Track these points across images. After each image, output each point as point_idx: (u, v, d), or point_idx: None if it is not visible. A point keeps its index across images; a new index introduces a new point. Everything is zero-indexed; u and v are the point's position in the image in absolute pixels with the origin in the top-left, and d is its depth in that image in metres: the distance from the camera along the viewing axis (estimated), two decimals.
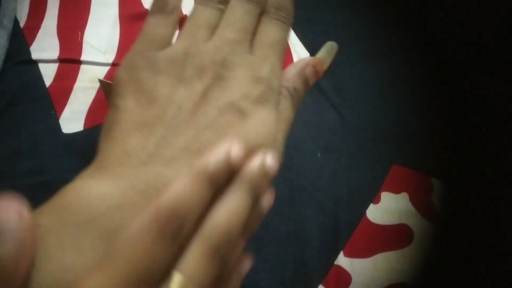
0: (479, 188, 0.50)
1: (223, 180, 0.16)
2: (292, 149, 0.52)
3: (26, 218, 0.15)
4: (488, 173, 0.50)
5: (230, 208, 0.16)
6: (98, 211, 0.16)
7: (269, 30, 0.21)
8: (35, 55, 0.58)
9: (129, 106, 0.19)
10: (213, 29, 0.21)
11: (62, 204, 0.17)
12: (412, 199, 0.49)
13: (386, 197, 0.50)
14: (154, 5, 0.22)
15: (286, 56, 0.63)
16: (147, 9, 0.65)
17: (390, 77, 0.61)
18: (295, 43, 0.64)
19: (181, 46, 0.21)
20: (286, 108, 0.21)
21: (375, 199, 0.49)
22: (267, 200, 0.19)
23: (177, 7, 0.23)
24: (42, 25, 0.62)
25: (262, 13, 0.22)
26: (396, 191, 0.50)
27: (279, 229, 0.46)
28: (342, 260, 0.45)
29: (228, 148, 0.16)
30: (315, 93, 0.59)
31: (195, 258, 0.15)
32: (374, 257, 0.45)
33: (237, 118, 0.18)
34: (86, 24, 0.63)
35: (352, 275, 0.44)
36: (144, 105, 0.18)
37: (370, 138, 0.54)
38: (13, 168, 0.48)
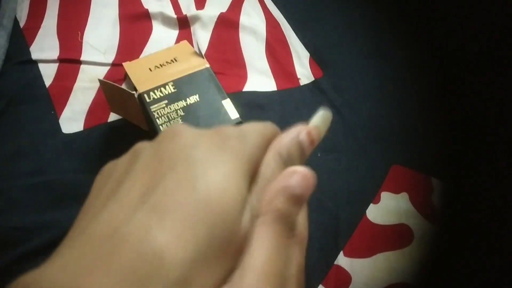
0: (479, 188, 0.50)
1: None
2: None
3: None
4: (488, 173, 0.51)
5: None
6: None
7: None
8: (35, 55, 0.58)
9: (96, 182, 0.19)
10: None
11: None
12: (412, 199, 0.49)
13: (386, 197, 0.50)
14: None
15: (285, 56, 0.63)
16: (147, 9, 0.65)
17: (390, 77, 0.61)
18: (295, 43, 0.64)
19: None
20: (275, 172, 0.19)
21: (375, 199, 0.49)
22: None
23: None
24: (42, 25, 0.62)
25: None
26: (396, 191, 0.50)
27: None
28: (342, 260, 0.45)
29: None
30: (315, 93, 0.59)
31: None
32: (374, 257, 0.45)
33: (198, 173, 0.17)
34: (86, 24, 0.63)
35: (352, 275, 0.44)
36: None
37: (370, 138, 0.55)
38: (13, 168, 0.48)
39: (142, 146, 0.19)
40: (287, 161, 0.20)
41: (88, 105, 0.54)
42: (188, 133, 0.18)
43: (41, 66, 0.58)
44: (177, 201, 0.15)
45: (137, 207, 0.15)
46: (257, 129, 0.20)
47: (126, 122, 0.52)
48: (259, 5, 0.69)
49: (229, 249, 0.16)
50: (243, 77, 0.59)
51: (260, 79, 0.60)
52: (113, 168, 0.19)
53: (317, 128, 0.22)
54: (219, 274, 0.15)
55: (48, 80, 0.56)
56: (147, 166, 0.17)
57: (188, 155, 0.17)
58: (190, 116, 0.43)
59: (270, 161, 0.19)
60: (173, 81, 0.46)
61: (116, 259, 0.14)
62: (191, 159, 0.17)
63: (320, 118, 0.23)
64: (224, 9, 0.67)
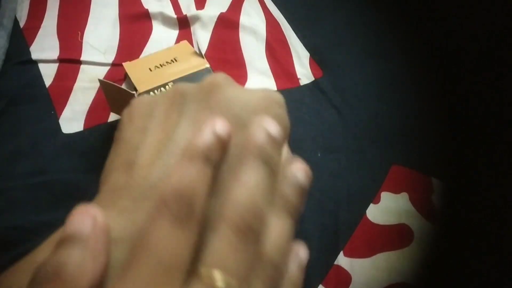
0: (479, 188, 0.50)
1: (217, 155, 0.16)
2: (292, 149, 0.52)
3: (100, 224, 0.14)
4: (488, 173, 0.50)
5: (245, 181, 0.16)
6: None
7: None
8: (35, 55, 0.58)
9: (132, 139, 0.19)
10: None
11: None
12: (412, 199, 0.49)
13: (386, 197, 0.50)
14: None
15: (285, 56, 0.63)
16: (147, 9, 0.65)
17: (390, 77, 0.61)
18: (295, 43, 0.64)
19: None
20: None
21: (375, 199, 0.49)
22: (299, 169, 0.19)
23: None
24: (42, 25, 0.62)
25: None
26: (396, 191, 0.50)
27: None
28: (342, 260, 0.45)
29: (212, 125, 0.16)
30: (315, 93, 0.59)
31: (223, 244, 0.14)
32: (374, 257, 0.45)
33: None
34: (86, 24, 0.63)
35: (352, 275, 0.44)
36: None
37: (370, 138, 0.54)
38: (13, 168, 0.48)
39: (187, 90, 0.20)
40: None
41: (88, 105, 0.54)
42: (233, 89, 0.19)
43: (41, 66, 0.58)
44: None
45: None
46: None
47: None
48: (259, 5, 0.69)
49: None
50: (243, 77, 0.59)
51: (260, 79, 0.60)
52: (151, 111, 0.19)
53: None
54: None
55: (48, 80, 0.56)
56: (196, 113, 0.18)
57: (239, 107, 0.19)
58: None
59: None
60: (173, 81, 0.46)
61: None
62: (240, 111, 0.18)
63: None
64: (224, 9, 0.67)
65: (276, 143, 0.17)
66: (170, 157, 0.17)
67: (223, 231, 0.15)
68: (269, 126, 0.17)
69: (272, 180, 0.17)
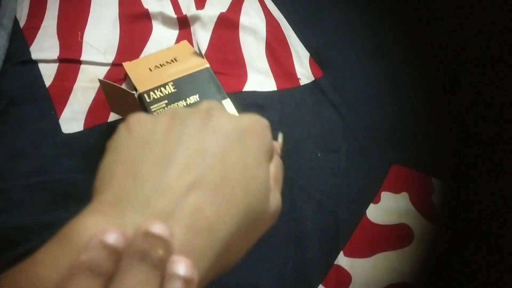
0: (479, 188, 0.50)
1: (105, 264, 0.15)
2: (292, 149, 0.52)
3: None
4: (488, 173, 0.51)
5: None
6: None
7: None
8: (35, 55, 0.58)
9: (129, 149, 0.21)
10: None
11: (62, 243, 0.16)
12: (412, 199, 0.49)
13: (386, 197, 0.50)
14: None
15: (285, 56, 0.63)
16: (147, 9, 0.65)
17: (390, 77, 0.61)
18: (295, 43, 0.64)
19: None
20: (281, 172, 0.25)
21: (375, 199, 0.49)
22: (181, 266, 0.16)
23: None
24: (42, 25, 0.62)
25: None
26: (396, 191, 0.50)
27: (279, 229, 0.46)
28: (342, 260, 0.45)
29: (99, 236, 0.15)
30: (315, 93, 0.59)
31: None
32: (374, 257, 0.45)
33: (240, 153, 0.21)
34: (86, 24, 0.63)
35: (352, 275, 0.44)
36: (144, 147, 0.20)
37: (370, 138, 0.54)
38: (13, 168, 0.48)
39: (186, 112, 0.22)
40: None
41: (88, 105, 0.54)
42: (228, 113, 0.22)
43: (41, 66, 0.58)
44: (227, 180, 0.18)
45: (189, 182, 0.18)
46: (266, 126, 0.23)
47: None
48: (259, 5, 0.69)
49: (260, 221, 0.20)
50: (243, 77, 0.59)
51: (260, 79, 0.60)
52: (152, 127, 0.21)
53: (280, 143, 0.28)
54: (251, 241, 0.20)
55: (48, 80, 0.56)
56: (196, 132, 0.20)
57: (237, 138, 0.20)
58: None
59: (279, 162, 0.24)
60: (173, 81, 0.46)
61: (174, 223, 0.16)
62: (239, 143, 0.20)
63: (280, 138, 0.29)
64: (224, 9, 0.67)
65: (158, 241, 0.16)
66: (169, 171, 0.18)
67: None
68: (153, 228, 0.16)
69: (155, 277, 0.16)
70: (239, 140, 0.20)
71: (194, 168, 0.18)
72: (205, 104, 0.22)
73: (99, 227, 0.16)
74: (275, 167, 0.23)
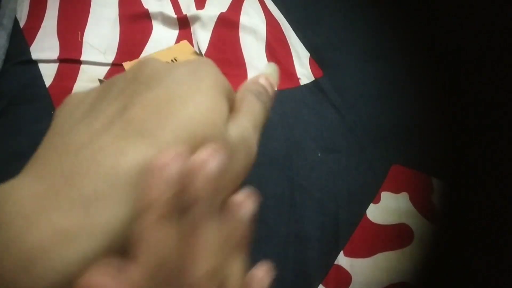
0: (479, 188, 0.50)
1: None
2: (292, 149, 0.52)
3: None
4: (488, 173, 0.51)
5: (202, 244, 0.15)
6: (6, 218, 0.14)
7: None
8: (35, 55, 0.58)
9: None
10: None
11: None
12: (412, 199, 0.49)
13: (386, 196, 0.50)
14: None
15: (285, 56, 0.63)
16: (147, 9, 0.65)
17: (390, 77, 0.61)
18: (295, 43, 0.64)
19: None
20: (254, 101, 0.20)
21: (375, 198, 0.49)
22: (242, 201, 0.16)
23: None
24: (42, 25, 0.62)
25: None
26: (396, 190, 0.50)
27: (279, 229, 0.46)
28: (342, 260, 0.45)
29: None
30: (315, 93, 0.59)
31: None
32: (374, 256, 0.45)
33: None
34: (86, 24, 0.63)
35: (352, 275, 0.44)
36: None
37: (370, 138, 0.54)
38: (13, 168, 0.48)
39: (116, 76, 0.19)
40: (258, 96, 0.21)
41: None
42: (161, 62, 0.18)
43: (41, 66, 0.58)
44: (157, 123, 0.15)
45: (112, 124, 0.15)
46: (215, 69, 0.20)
47: None
48: (259, 5, 0.69)
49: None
50: (243, 77, 0.59)
51: None
52: (84, 96, 0.18)
53: (271, 75, 0.25)
54: None
55: (48, 80, 0.56)
56: (122, 90, 0.17)
57: (169, 76, 0.17)
58: None
59: (245, 95, 0.21)
60: None
61: (86, 181, 0.14)
62: (172, 80, 0.17)
63: (269, 68, 0.26)
64: (224, 9, 0.67)
65: (216, 187, 0.15)
66: (91, 125, 0.16)
67: None
68: (210, 163, 0.14)
69: (219, 226, 0.16)
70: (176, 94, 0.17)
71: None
72: (137, 61, 0.18)
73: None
74: (239, 95, 0.20)
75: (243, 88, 0.22)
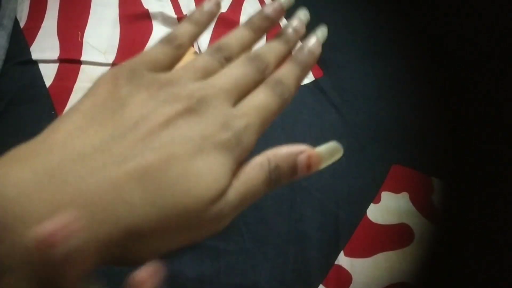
0: (479, 188, 0.50)
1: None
2: None
3: None
4: (488, 173, 0.51)
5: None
6: (7, 199, 0.15)
7: (260, 96, 0.21)
8: (35, 55, 0.58)
9: (94, 101, 0.19)
10: (208, 76, 0.21)
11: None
12: (412, 199, 0.49)
13: (386, 196, 0.50)
14: (165, 36, 0.23)
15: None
16: (147, 9, 0.65)
17: (390, 77, 0.61)
18: None
19: (170, 75, 0.21)
20: (258, 178, 0.19)
21: (376, 198, 0.49)
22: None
23: (184, 45, 0.24)
24: (42, 25, 0.62)
25: (262, 81, 0.22)
26: (396, 190, 0.50)
27: (279, 229, 0.46)
28: (342, 260, 0.45)
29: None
30: (315, 93, 0.59)
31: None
32: (374, 256, 0.45)
33: (187, 154, 0.18)
34: (86, 24, 0.63)
35: (352, 275, 0.44)
36: (107, 105, 0.19)
37: (370, 138, 0.55)
38: None
39: (129, 93, 0.19)
40: (273, 172, 0.20)
41: None
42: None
43: (41, 66, 0.58)
44: (160, 170, 0.17)
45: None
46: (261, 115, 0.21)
47: None
48: (259, 5, 0.69)
49: (187, 225, 0.18)
50: None
51: None
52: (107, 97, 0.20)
53: (320, 157, 0.21)
54: (164, 241, 0.18)
55: (48, 80, 0.56)
56: (152, 120, 0.18)
57: (192, 138, 0.18)
58: None
59: (256, 165, 0.20)
60: None
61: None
62: (193, 142, 0.18)
63: (328, 149, 0.22)
64: (224, 9, 0.67)
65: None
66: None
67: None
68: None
69: None
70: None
71: (135, 149, 0.18)
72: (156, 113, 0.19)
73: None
74: (249, 165, 0.20)
75: (265, 153, 0.20)
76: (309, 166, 0.21)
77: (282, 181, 0.20)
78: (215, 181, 0.18)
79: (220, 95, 0.20)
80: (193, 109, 0.19)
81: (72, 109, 0.19)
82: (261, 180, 0.19)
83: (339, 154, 0.22)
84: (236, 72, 0.21)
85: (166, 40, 0.23)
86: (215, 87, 0.20)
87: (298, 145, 0.21)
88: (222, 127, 0.19)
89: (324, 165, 0.22)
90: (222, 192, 0.18)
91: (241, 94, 0.21)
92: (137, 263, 0.17)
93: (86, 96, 0.20)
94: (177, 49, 0.23)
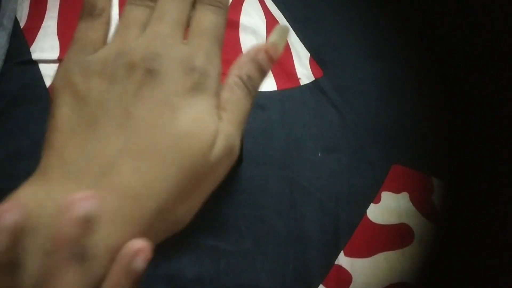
0: (479, 188, 0.50)
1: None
2: (292, 149, 0.52)
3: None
4: (488, 173, 0.50)
5: None
6: (31, 223, 0.16)
7: (202, 17, 0.21)
8: (35, 55, 0.58)
9: (63, 114, 0.19)
10: (144, 26, 0.21)
11: None
12: (412, 199, 0.49)
13: (386, 196, 0.50)
14: (82, 9, 0.22)
15: (286, 56, 0.63)
16: None
17: (390, 77, 0.61)
18: (295, 43, 0.64)
19: (112, 47, 0.21)
20: (240, 97, 0.21)
21: (376, 198, 0.49)
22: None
23: (105, 8, 0.23)
24: (42, 25, 0.62)
25: (196, 1, 0.21)
26: (396, 190, 0.50)
27: (279, 229, 0.46)
28: (342, 260, 0.45)
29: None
30: (315, 93, 0.59)
31: None
32: (374, 256, 0.45)
33: (168, 118, 0.18)
34: None
35: (352, 275, 0.44)
36: (77, 112, 0.19)
37: (370, 138, 0.54)
38: (14, 168, 0.48)
39: (118, 75, 0.19)
40: (248, 83, 0.21)
41: None
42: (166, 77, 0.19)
43: (42, 66, 0.58)
44: (151, 145, 0.18)
45: (115, 149, 0.18)
46: (216, 63, 0.21)
47: None
48: (259, 5, 0.69)
49: (200, 177, 0.18)
50: None
51: None
52: (84, 91, 0.19)
53: (275, 45, 0.23)
54: (195, 198, 0.19)
55: (48, 80, 0.56)
56: (121, 102, 0.19)
57: (165, 99, 0.18)
58: None
59: (233, 86, 0.21)
60: None
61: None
62: (167, 102, 0.18)
63: (277, 34, 0.23)
64: None
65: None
66: (96, 140, 0.19)
67: None
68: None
69: None
70: (167, 105, 0.19)
71: (121, 136, 0.18)
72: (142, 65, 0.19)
73: (32, 199, 0.17)
74: (227, 91, 0.20)
75: (233, 72, 0.22)
76: (271, 58, 0.23)
77: (258, 85, 0.22)
78: (205, 128, 0.18)
79: (167, 41, 0.20)
80: (151, 71, 0.19)
81: (50, 129, 0.20)
82: (243, 96, 0.21)
83: (287, 32, 0.24)
84: (169, 7, 0.20)
85: (87, 14, 0.22)
86: (160, 36, 0.20)
87: (251, 48, 0.22)
88: (186, 73, 0.19)
89: (281, 48, 0.23)
90: (216, 131, 0.19)
91: (185, 24, 0.21)
92: (180, 226, 0.19)
93: (52, 115, 0.20)
94: (101, 16, 0.22)
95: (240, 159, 0.48)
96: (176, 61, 0.19)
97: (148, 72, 0.19)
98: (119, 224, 0.17)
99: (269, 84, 0.59)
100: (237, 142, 0.20)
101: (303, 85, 0.60)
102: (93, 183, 0.17)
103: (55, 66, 0.58)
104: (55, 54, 0.59)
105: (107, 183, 0.17)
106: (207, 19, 0.21)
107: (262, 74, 0.22)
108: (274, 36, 0.23)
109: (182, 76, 0.19)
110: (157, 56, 0.19)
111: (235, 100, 0.20)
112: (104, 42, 0.22)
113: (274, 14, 0.68)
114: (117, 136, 0.18)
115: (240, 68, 0.22)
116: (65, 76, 0.20)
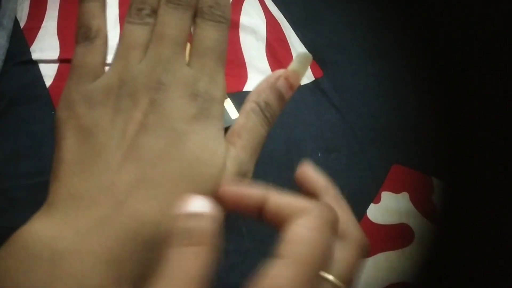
0: (479, 188, 0.50)
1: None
2: (292, 149, 0.52)
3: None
4: (488, 173, 0.50)
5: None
6: (41, 258, 0.16)
7: (205, 34, 0.20)
8: (35, 55, 0.58)
9: (69, 146, 0.18)
10: (146, 47, 0.20)
11: (10, 252, 0.17)
12: (412, 199, 0.49)
13: (386, 196, 0.50)
14: (77, 33, 0.21)
15: (285, 55, 0.63)
16: None
17: (390, 77, 0.61)
18: (295, 43, 0.64)
19: (114, 73, 0.20)
20: (256, 123, 0.20)
21: (376, 198, 0.49)
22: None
23: (100, 27, 0.22)
24: (42, 25, 0.62)
25: (196, 14, 0.21)
26: (396, 190, 0.50)
27: None
28: None
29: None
30: (315, 93, 0.59)
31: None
32: (374, 256, 0.45)
33: (176, 142, 0.18)
34: None
35: None
36: (83, 143, 0.18)
37: (370, 138, 0.54)
38: (14, 168, 0.48)
39: (124, 105, 0.19)
40: (265, 110, 0.21)
41: None
42: (172, 103, 0.19)
43: (42, 66, 0.58)
44: (163, 173, 0.17)
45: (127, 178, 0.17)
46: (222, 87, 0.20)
47: None
48: (259, 5, 0.69)
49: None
50: (243, 77, 0.59)
51: (260, 78, 0.59)
52: (91, 120, 0.19)
53: (295, 72, 0.22)
54: None
55: (48, 80, 0.56)
56: (127, 131, 0.18)
57: (172, 127, 0.18)
58: None
59: (249, 113, 0.20)
60: None
61: (111, 229, 0.16)
62: (174, 130, 0.18)
63: (298, 61, 0.22)
64: None
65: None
66: (108, 171, 0.18)
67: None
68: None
69: None
70: (178, 134, 0.18)
71: (131, 166, 0.17)
72: (146, 94, 0.19)
73: (44, 232, 0.17)
74: (243, 117, 0.20)
75: (251, 99, 0.21)
76: (291, 85, 0.22)
77: (276, 113, 0.21)
78: (213, 153, 0.18)
79: (170, 66, 0.19)
80: (155, 100, 0.18)
81: (57, 161, 0.19)
82: (259, 123, 0.20)
83: (310, 60, 0.22)
84: (169, 26, 0.20)
85: (82, 38, 0.21)
86: (162, 60, 0.19)
87: (272, 74, 0.22)
88: (190, 99, 0.19)
89: (302, 76, 0.22)
90: (224, 154, 0.19)
91: (186, 40, 0.20)
92: None
93: (58, 147, 0.19)
94: (97, 38, 0.22)
95: None
96: (180, 87, 0.19)
97: (153, 101, 0.18)
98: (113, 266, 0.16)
99: None
100: (250, 169, 0.20)
101: (303, 85, 0.60)
102: (111, 212, 0.17)
103: (55, 66, 0.58)
104: (55, 54, 0.59)
105: (126, 211, 0.17)
106: (210, 37, 0.20)
107: (281, 102, 0.21)
108: (295, 63, 0.22)
109: (187, 102, 0.18)
110: (161, 85, 0.18)
111: (250, 126, 0.20)
112: (103, 64, 0.21)
113: (274, 14, 0.68)
114: (127, 166, 0.17)
115: (258, 95, 0.21)
116: (69, 107, 0.19)
